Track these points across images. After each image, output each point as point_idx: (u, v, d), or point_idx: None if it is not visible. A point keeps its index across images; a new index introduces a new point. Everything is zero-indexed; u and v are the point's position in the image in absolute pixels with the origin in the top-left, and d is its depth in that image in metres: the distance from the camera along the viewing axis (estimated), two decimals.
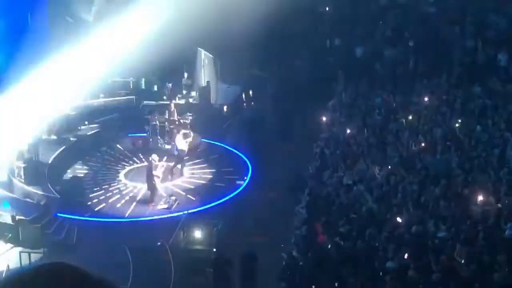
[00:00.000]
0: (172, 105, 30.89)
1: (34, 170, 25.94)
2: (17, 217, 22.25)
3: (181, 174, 27.36)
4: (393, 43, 37.12)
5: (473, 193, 21.20)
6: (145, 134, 30.76)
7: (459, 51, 35.08)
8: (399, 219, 20.13)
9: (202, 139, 30.94)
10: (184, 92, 35.85)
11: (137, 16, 35.46)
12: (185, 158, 27.86)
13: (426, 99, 30.93)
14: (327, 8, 39.80)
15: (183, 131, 29.07)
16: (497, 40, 34.73)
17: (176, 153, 27.99)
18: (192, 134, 30.20)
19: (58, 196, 24.27)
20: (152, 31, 34.30)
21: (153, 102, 34.43)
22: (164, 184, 25.99)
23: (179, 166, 27.49)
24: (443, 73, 34.21)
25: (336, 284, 18.03)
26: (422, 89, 32.13)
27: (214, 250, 21.58)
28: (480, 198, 20.83)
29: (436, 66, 34.97)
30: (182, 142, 27.93)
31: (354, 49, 37.81)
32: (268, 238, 22.54)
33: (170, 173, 27.15)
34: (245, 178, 26.89)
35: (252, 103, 36.61)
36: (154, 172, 24.99)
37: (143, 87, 37.73)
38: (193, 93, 36.10)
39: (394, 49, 36.82)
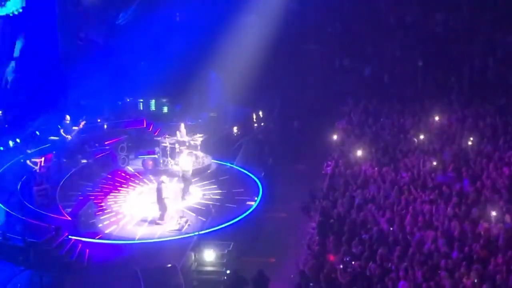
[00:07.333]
0: (182, 125, 30.78)
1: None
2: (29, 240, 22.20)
3: (189, 194, 27.19)
4: (401, 63, 37.19)
5: (485, 212, 21.09)
6: (155, 156, 30.73)
7: (469, 70, 35.11)
8: (410, 239, 20.03)
9: (213, 160, 30.93)
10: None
11: (148, 38, 35.80)
12: (192, 179, 27.71)
13: (436, 118, 30.90)
14: (335, 28, 39.90)
15: (186, 151, 28.92)
16: (507, 59, 34.73)
17: (180, 174, 27.84)
18: (200, 154, 30.16)
19: (69, 218, 24.24)
20: (162, 53, 34.59)
21: None
22: (174, 205, 25.89)
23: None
24: (453, 92, 34.22)
25: None
26: (432, 108, 32.14)
27: (228, 271, 21.51)
28: (493, 217, 20.72)
29: (446, 85, 35.01)
30: (186, 162, 27.78)
31: (363, 68, 37.91)
32: (279, 258, 22.45)
33: (182, 194, 27.06)
34: (256, 198, 26.80)
35: (262, 123, 36.62)
36: (164, 193, 24.91)
37: (152, 108, 37.89)
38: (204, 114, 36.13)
39: (403, 69, 36.88)
